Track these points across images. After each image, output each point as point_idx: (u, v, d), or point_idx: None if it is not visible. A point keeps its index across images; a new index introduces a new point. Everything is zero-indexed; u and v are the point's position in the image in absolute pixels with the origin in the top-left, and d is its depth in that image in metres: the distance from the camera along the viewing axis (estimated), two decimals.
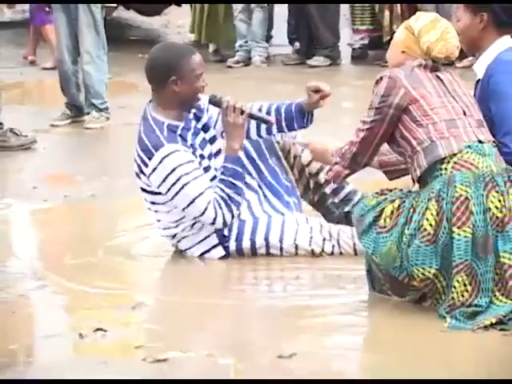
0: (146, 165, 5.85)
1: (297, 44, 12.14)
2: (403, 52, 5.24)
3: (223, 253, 5.98)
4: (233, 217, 5.91)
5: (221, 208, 5.84)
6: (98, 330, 4.93)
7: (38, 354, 4.89)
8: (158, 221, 6.03)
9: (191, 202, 5.84)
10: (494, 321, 4.79)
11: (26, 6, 13.49)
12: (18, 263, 6.27)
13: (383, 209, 5.06)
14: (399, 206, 5.04)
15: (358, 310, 5.25)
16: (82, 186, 7.52)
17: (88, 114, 9.40)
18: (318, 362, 4.61)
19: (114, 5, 9.56)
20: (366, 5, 11.61)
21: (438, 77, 5.14)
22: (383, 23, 11.08)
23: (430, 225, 4.87)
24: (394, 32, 11.16)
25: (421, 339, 4.82)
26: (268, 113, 6.01)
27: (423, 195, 4.98)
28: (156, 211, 5.98)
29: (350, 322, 5.11)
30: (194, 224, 5.93)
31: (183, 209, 5.90)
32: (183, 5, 13.91)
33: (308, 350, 4.70)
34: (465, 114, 5.05)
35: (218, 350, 4.71)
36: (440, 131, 4.97)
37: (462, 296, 4.84)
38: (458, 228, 4.81)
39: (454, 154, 4.93)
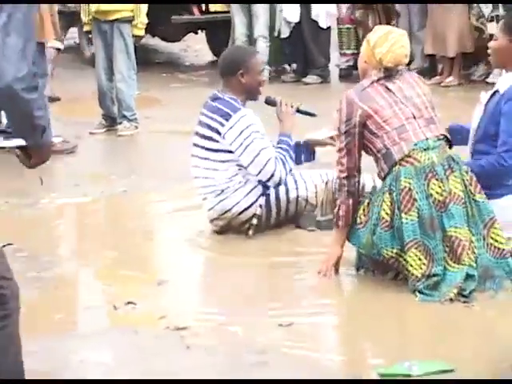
0: (223, 125, 5.95)
1: (293, 65, 12.14)
2: (365, 62, 5.22)
3: (264, 202, 6.00)
4: (286, 174, 5.99)
5: (279, 165, 5.92)
6: (129, 303, 4.93)
7: (79, 323, 4.90)
8: (206, 182, 6.05)
9: (256, 156, 5.91)
10: (455, 291, 4.78)
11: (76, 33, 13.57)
12: (62, 247, 6.28)
13: (359, 209, 5.12)
14: (368, 203, 5.10)
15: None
16: (115, 183, 7.51)
17: (120, 123, 9.38)
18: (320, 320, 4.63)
19: (143, 34, 9.45)
20: (352, 33, 11.63)
21: (388, 88, 5.09)
22: None
23: (387, 213, 4.95)
24: None
25: (393, 309, 4.84)
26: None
27: (380, 190, 5.08)
28: (215, 169, 6.01)
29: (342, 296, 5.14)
30: (246, 180, 6.01)
31: (248, 164, 5.95)
32: (199, 31, 13.91)
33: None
34: (414, 116, 5.05)
35: (229, 320, 4.72)
36: (392, 139, 5.01)
37: (421, 268, 4.86)
38: (405, 213, 4.88)
39: (405, 155, 4.97)
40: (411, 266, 4.87)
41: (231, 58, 6.29)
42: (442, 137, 5.09)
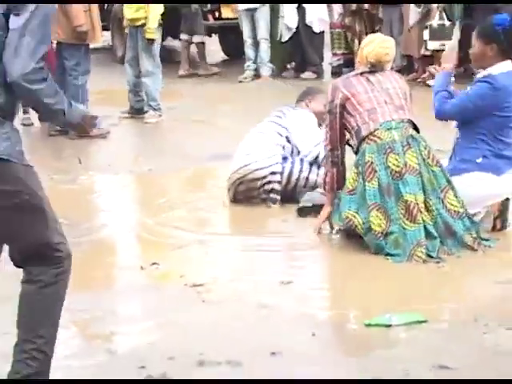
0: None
1: (292, 63, 12.12)
2: (359, 62, 5.44)
3: (279, 170, 6.02)
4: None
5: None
6: (154, 264, 4.93)
7: (111, 281, 4.90)
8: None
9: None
10: (421, 250, 4.82)
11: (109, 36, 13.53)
12: (98, 216, 6.27)
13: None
14: None
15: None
16: (142, 163, 7.50)
17: (147, 112, 9.37)
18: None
19: (153, 37, 9.31)
20: (342, 36, 11.59)
21: (368, 80, 5.24)
22: (354, 48, 11.04)
23: (350, 182, 5.09)
24: None
25: (375, 270, 4.83)
26: None
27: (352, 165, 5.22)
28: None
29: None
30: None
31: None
32: (213, 35, 13.88)
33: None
34: (386, 102, 5.17)
35: (238, 278, 4.72)
36: (363, 119, 5.14)
37: (380, 226, 4.93)
38: (368, 182, 4.99)
39: (371, 133, 5.07)
40: (373, 223, 4.94)
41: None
42: (406, 120, 5.15)
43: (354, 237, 5.12)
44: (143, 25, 9.09)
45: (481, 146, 5.14)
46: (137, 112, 9.50)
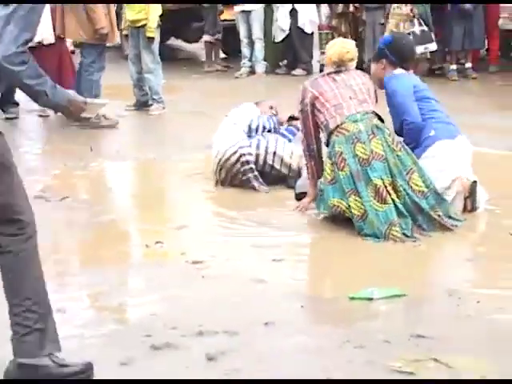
0: None
1: (285, 61, 12.08)
2: (326, 65, 5.53)
3: (248, 150, 6.03)
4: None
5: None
6: (158, 242, 4.93)
7: (119, 258, 4.87)
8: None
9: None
10: (396, 229, 4.84)
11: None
12: (108, 199, 6.25)
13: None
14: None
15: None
16: (147, 151, 7.47)
17: (151, 105, 9.36)
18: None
19: (152, 36, 9.24)
20: (329, 36, 11.52)
21: (334, 79, 5.30)
22: None
23: (327, 173, 5.11)
24: None
25: (359, 248, 4.83)
26: None
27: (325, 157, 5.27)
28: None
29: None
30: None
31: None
32: None
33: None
34: (350, 98, 5.21)
35: (234, 256, 4.71)
36: (330, 113, 5.19)
37: (361, 209, 4.95)
38: (341, 171, 5.02)
39: (338, 126, 5.11)
40: (354, 208, 4.96)
41: None
42: (370, 112, 5.19)
43: (338, 220, 5.11)
44: (144, 25, 9.09)
45: (428, 123, 5.30)
46: (142, 105, 9.50)
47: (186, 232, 5.19)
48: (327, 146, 5.22)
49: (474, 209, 5.32)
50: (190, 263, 4.55)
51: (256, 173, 6.01)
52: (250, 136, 6.12)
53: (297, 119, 5.92)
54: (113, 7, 8.85)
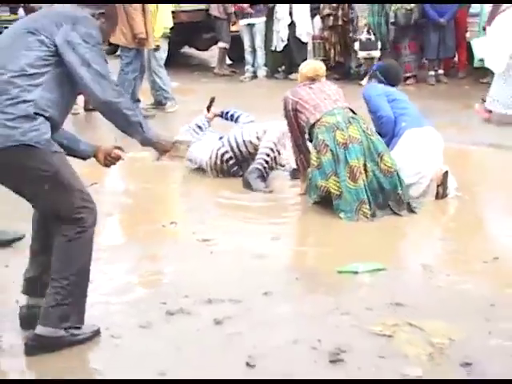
0: None
1: (283, 67, 12.02)
2: (300, 81, 5.48)
3: (220, 146, 6.02)
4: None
5: None
6: (172, 222, 4.92)
7: (139, 236, 4.87)
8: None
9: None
10: (366, 207, 4.88)
11: None
12: (131, 184, 6.23)
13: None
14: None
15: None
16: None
17: (166, 104, 9.33)
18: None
19: (155, 47, 9.13)
20: (321, 46, 11.48)
21: (310, 87, 5.35)
22: (330, 55, 10.99)
23: (314, 160, 5.11)
24: (336, 61, 11.08)
25: (344, 226, 4.82)
26: None
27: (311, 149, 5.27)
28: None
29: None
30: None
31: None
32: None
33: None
34: (325, 99, 5.25)
35: (239, 234, 4.71)
36: (311, 112, 5.21)
37: (339, 188, 4.97)
38: (323, 155, 5.03)
39: (318, 120, 5.13)
40: (332, 188, 4.99)
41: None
42: (345, 107, 5.24)
43: (328, 204, 5.10)
44: None
45: (399, 119, 5.32)
46: (158, 104, 9.46)
47: (196, 214, 5.18)
48: (311, 141, 5.25)
49: (445, 195, 5.31)
50: (200, 241, 4.55)
51: (237, 169, 5.97)
52: (221, 138, 6.11)
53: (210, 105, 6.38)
54: (149, 15, 8.64)
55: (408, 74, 10.44)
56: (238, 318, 3.46)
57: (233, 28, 12.69)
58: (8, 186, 3.18)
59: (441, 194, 5.29)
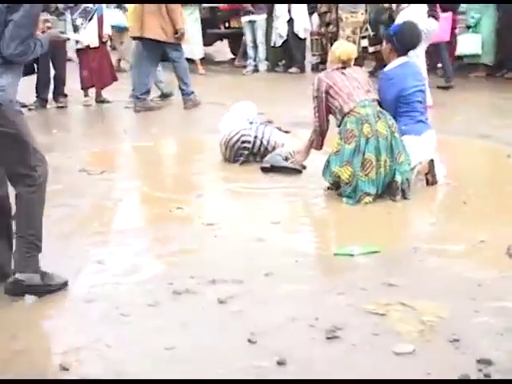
0: None
1: (283, 61, 11.98)
2: (331, 61, 5.32)
3: (247, 138, 6.03)
4: None
5: None
6: (179, 208, 4.92)
7: (147, 220, 4.88)
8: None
9: None
10: (366, 197, 4.87)
11: None
12: (137, 172, 6.21)
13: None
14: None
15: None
16: (168, 132, 7.43)
17: (169, 95, 9.25)
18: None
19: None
20: (319, 41, 11.45)
21: (343, 73, 5.20)
22: (327, 50, 10.96)
23: (335, 146, 5.05)
24: None
25: (343, 211, 4.81)
26: None
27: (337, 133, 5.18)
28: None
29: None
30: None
31: None
32: (224, 40, 13.76)
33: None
34: (358, 87, 5.14)
35: (242, 220, 4.70)
36: (344, 100, 5.09)
37: (350, 177, 4.94)
38: (348, 144, 4.97)
39: (351, 109, 5.04)
40: (344, 176, 4.95)
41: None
42: (375, 99, 5.15)
43: (330, 192, 5.10)
44: None
45: (402, 119, 5.20)
46: (162, 96, 9.41)
47: (201, 199, 5.18)
48: (339, 126, 5.15)
49: (434, 182, 5.30)
50: (204, 225, 4.54)
51: (248, 152, 5.99)
52: (251, 123, 6.12)
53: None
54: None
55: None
56: (240, 298, 3.46)
57: (235, 25, 12.69)
58: None
59: (430, 181, 5.28)
